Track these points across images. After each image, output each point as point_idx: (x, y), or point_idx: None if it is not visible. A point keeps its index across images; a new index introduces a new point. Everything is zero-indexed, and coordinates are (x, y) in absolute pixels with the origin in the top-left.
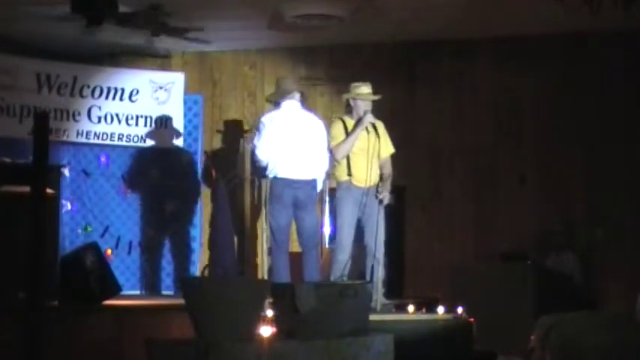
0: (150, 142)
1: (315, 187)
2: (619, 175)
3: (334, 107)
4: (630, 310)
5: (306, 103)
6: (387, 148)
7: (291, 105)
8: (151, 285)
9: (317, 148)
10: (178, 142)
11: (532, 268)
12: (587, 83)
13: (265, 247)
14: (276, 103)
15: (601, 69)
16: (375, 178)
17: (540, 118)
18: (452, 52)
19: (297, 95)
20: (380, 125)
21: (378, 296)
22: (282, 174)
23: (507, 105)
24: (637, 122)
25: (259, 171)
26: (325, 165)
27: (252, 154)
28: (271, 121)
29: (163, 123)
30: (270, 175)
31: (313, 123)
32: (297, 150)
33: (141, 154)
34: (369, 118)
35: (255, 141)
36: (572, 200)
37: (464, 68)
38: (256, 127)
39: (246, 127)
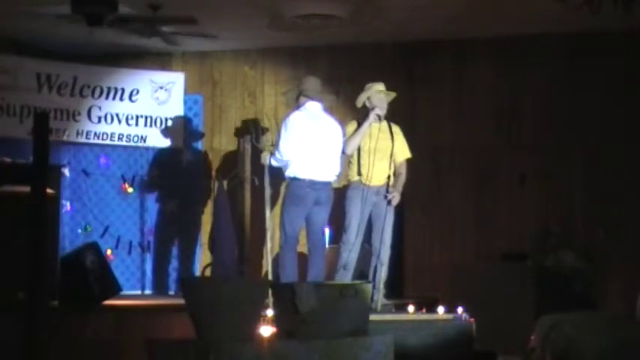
0: (152, 142)
1: (331, 188)
2: (619, 174)
3: (334, 107)
4: (630, 311)
5: (326, 105)
6: (403, 152)
7: (314, 106)
8: (159, 285)
9: (334, 151)
10: (178, 141)
11: (532, 268)
12: (587, 83)
13: (269, 246)
14: (297, 104)
15: (601, 69)
16: (383, 178)
17: (540, 117)
18: (451, 52)
19: (324, 101)
20: (397, 130)
21: (379, 297)
22: (303, 175)
23: (507, 105)
24: (637, 122)
25: (283, 169)
26: (338, 168)
27: (275, 151)
28: (295, 121)
29: (165, 122)
30: (291, 176)
31: (333, 126)
32: (318, 151)
33: (142, 153)
34: (377, 110)
35: (281, 139)
36: (572, 200)
37: (463, 68)
38: (282, 127)
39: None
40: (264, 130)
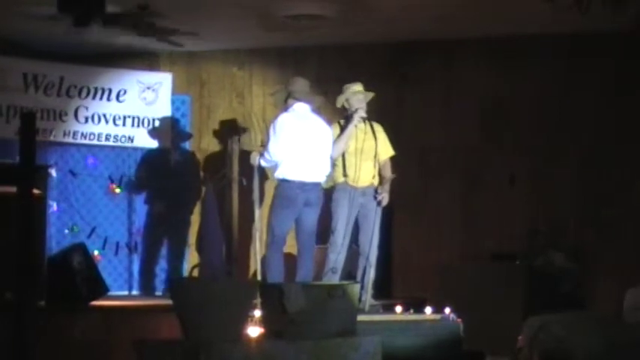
0: (140, 143)
1: (321, 189)
2: (610, 175)
3: (323, 107)
4: (618, 311)
5: (315, 106)
6: (386, 150)
7: (302, 108)
8: (147, 285)
9: (324, 152)
10: (165, 142)
11: (521, 268)
12: (578, 84)
13: (258, 247)
14: (285, 105)
15: (593, 70)
16: (368, 179)
17: (529, 117)
18: (441, 53)
19: (312, 102)
20: (379, 128)
21: (367, 297)
22: (292, 176)
23: (496, 105)
24: (626, 122)
25: (273, 170)
26: (328, 169)
27: (264, 152)
28: (284, 122)
29: (153, 123)
30: (280, 177)
31: (322, 127)
32: (308, 153)
33: (129, 154)
34: (360, 113)
35: (270, 141)
36: (561, 200)
37: (453, 68)
38: (271, 128)
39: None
40: (245, 130)
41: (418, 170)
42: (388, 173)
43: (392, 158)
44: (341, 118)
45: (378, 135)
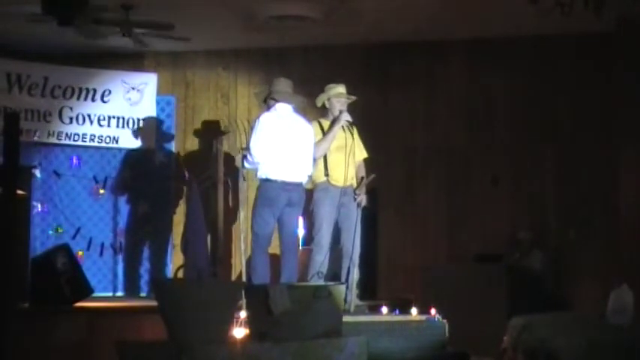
0: (125, 143)
1: (303, 189)
2: (590, 175)
3: (307, 108)
4: (601, 311)
5: (296, 106)
6: (361, 152)
7: (285, 107)
8: (131, 287)
9: (306, 152)
10: (150, 142)
11: (505, 269)
12: (558, 84)
13: (243, 248)
14: (268, 104)
15: (573, 70)
16: (348, 178)
17: (513, 118)
18: (425, 54)
19: (294, 102)
20: (355, 130)
21: (352, 298)
22: (274, 176)
23: (480, 105)
24: (608, 123)
25: (256, 171)
26: (310, 169)
27: (246, 153)
28: (265, 123)
29: (138, 123)
30: (262, 177)
31: (304, 127)
32: (290, 153)
33: (114, 155)
34: (346, 116)
35: (252, 140)
36: (544, 200)
37: (437, 69)
38: (252, 129)
39: (222, 129)
40: (230, 131)
41: (403, 171)
42: (363, 174)
43: (376, 158)
44: (321, 117)
45: (354, 136)
